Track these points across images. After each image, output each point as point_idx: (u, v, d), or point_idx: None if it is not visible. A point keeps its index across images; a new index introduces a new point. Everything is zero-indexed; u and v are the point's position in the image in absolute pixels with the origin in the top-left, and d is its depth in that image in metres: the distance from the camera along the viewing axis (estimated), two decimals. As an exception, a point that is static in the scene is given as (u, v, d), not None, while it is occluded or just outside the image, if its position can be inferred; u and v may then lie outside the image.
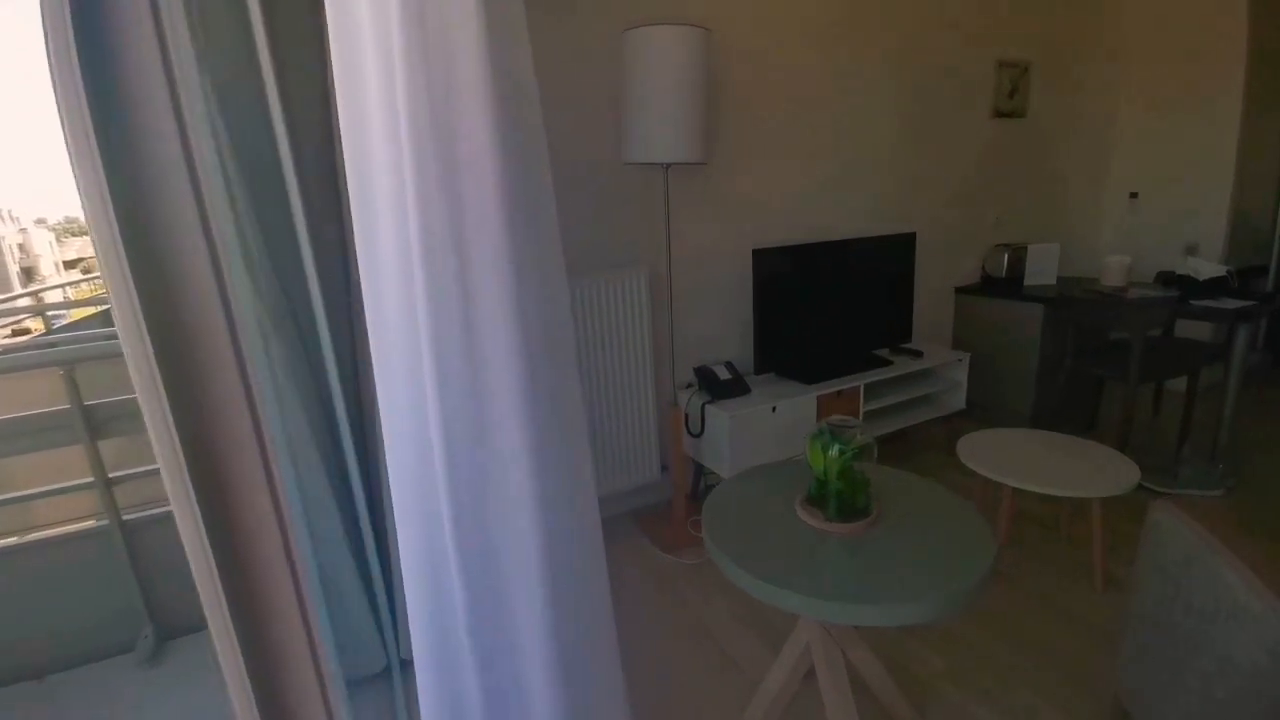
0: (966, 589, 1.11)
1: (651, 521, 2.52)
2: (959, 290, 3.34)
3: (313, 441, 1.46)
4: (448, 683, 0.86)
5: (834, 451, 1.29)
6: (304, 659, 0.61)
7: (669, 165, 2.13)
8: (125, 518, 1.99)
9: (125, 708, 1.81)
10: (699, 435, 2.46)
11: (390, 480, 0.84)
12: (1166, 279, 2.82)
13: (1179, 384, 2.97)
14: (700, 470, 2.66)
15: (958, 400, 2.93)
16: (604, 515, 2.60)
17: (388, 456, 0.83)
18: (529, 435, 0.77)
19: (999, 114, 3.23)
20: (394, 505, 0.83)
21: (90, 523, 2.02)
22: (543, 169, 0.81)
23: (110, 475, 1.97)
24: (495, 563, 0.80)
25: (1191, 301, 2.52)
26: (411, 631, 0.87)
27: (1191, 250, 3.22)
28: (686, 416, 2.49)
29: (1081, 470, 1.90)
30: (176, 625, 2.01)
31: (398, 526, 0.84)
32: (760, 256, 2.43)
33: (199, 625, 1.47)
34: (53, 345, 2.27)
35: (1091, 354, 2.80)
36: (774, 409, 2.38)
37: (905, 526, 1.31)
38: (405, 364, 0.77)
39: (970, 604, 1.11)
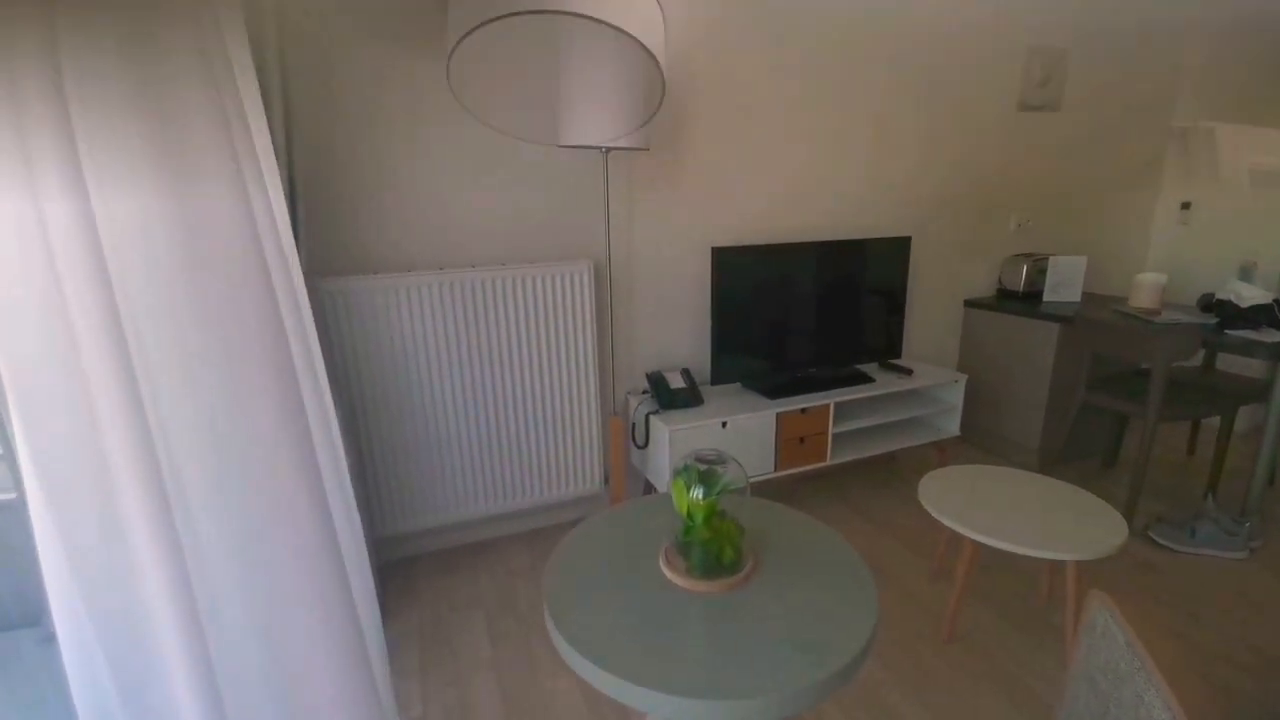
0: (811, 686, 0.88)
1: (589, 536, 2.33)
2: (969, 303, 3.01)
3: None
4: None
5: (697, 494, 1.08)
6: None
7: (608, 150, 1.93)
8: (33, 493, 1.95)
9: (19, 679, 1.77)
10: (644, 447, 2.26)
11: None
12: (1207, 303, 2.44)
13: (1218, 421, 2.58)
14: (651, 484, 2.46)
15: (952, 425, 2.63)
16: (542, 526, 2.46)
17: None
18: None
19: (1027, 107, 2.87)
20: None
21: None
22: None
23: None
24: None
25: (1227, 331, 2.15)
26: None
27: (1246, 270, 2.79)
28: (633, 426, 2.30)
29: (1061, 524, 1.61)
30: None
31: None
32: (721, 255, 2.19)
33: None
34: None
35: (1110, 384, 2.45)
36: (724, 424, 2.15)
37: (777, 590, 1.09)
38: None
39: (824, 698, 0.89)
